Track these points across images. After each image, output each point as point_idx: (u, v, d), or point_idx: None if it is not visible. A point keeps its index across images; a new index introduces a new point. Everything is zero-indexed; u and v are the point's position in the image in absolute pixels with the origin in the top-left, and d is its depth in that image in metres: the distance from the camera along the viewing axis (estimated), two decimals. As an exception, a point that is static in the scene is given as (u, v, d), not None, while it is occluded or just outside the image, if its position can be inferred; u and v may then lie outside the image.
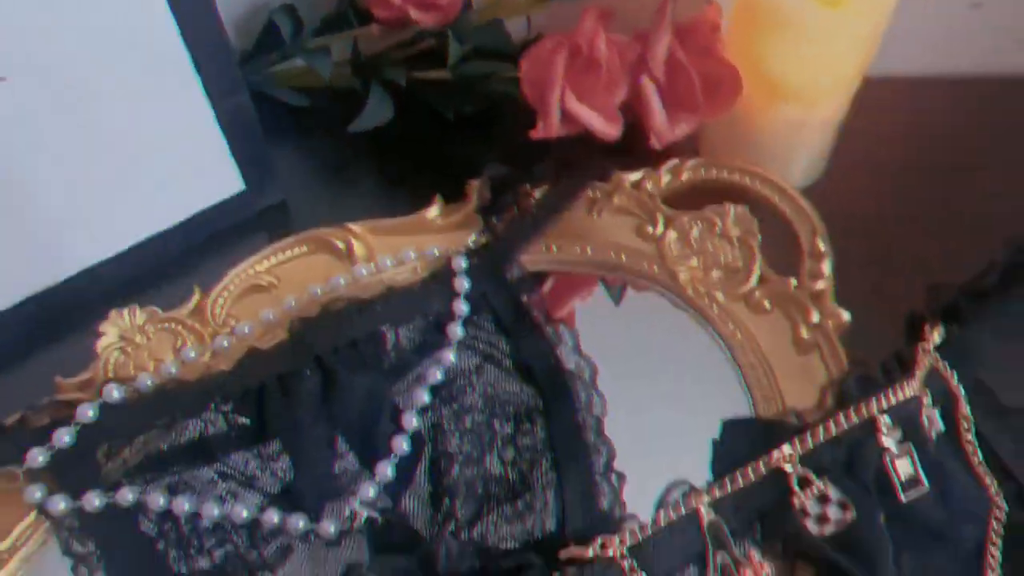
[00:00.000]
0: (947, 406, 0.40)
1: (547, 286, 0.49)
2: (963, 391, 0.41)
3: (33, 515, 0.36)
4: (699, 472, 0.38)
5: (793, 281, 0.44)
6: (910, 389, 0.39)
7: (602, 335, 0.47)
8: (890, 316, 0.44)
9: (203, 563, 0.36)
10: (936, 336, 0.42)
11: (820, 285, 0.43)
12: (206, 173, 0.48)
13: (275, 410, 0.38)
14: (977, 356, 0.42)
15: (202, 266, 0.46)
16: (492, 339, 0.43)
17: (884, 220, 0.51)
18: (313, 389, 0.39)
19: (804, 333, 0.42)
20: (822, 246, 0.44)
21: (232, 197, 0.49)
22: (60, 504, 0.36)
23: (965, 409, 0.40)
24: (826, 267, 0.43)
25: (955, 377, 0.41)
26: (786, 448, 0.36)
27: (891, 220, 0.52)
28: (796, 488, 0.36)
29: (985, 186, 0.55)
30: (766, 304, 0.43)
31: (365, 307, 0.42)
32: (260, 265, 0.44)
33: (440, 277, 0.44)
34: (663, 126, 0.48)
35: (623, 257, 0.46)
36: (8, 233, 0.41)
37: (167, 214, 0.47)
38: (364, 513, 0.37)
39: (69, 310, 0.44)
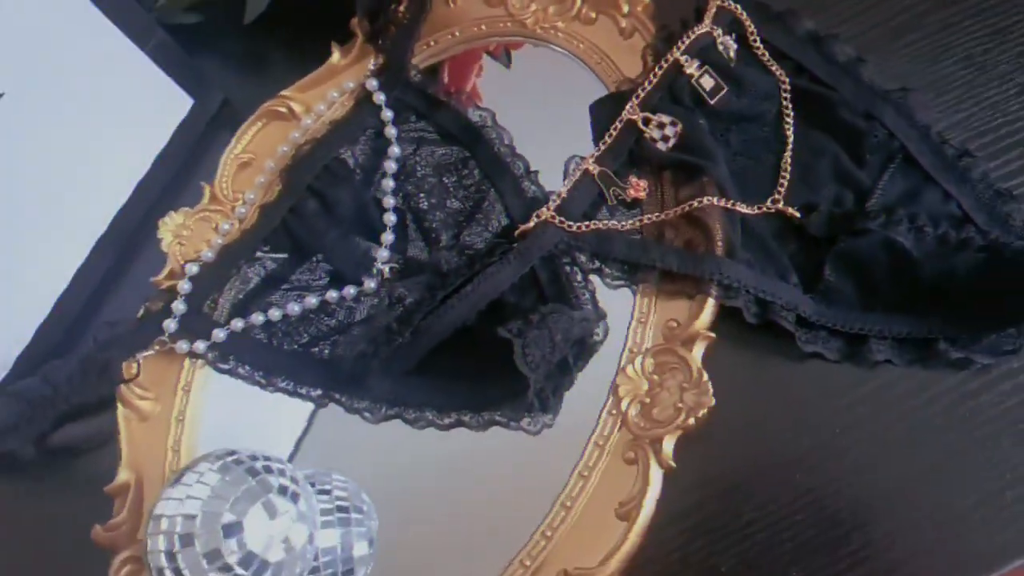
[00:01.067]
0: (738, 30, 0.56)
1: (444, 72, 0.63)
2: (745, 15, 0.56)
3: (187, 360, 0.55)
4: (587, 148, 0.54)
5: (601, -11, 0.58)
6: (700, 29, 0.54)
7: (504, 96, 0.62)
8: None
9: (305, 339, 0.54)
10: (717, -17, 0.56)
11: (627, -22, 0.57)
12: (162, 104, 0.61)
13: (301, 232, 0.55)
14: (749, -16, 0.57)
15: (199, 170, 0.61)
16: (417, 126, 0.59)
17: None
18: (315, 209, 0.55)
19: (623, 23, 0.57)
20: (613, -49, 0.58)
21: (188, 113, 0.63)
22: (200, 346, 0.53)
23: (750, 26, 0.56)
24: (621, -34, 0.57)
25: (738, 6, 0.56)
26: (629, 105, 0.53)
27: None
28: (643, 127, 0.52)
29: None
30: (592, 14, 0.58)
31: (323, 142, 0.57)
32: (236, 148, 0.59)
33: (364, 100, 0.59)
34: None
35: (484, 27, 0.60)
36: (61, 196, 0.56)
37: (153, 145, 0.61)
38: (387, 267, 0.54)
39: (130, 235, 0.59)
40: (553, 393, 0.49)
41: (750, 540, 0.45)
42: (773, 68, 0.55)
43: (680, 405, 0.46)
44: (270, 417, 0.54)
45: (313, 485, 0.49)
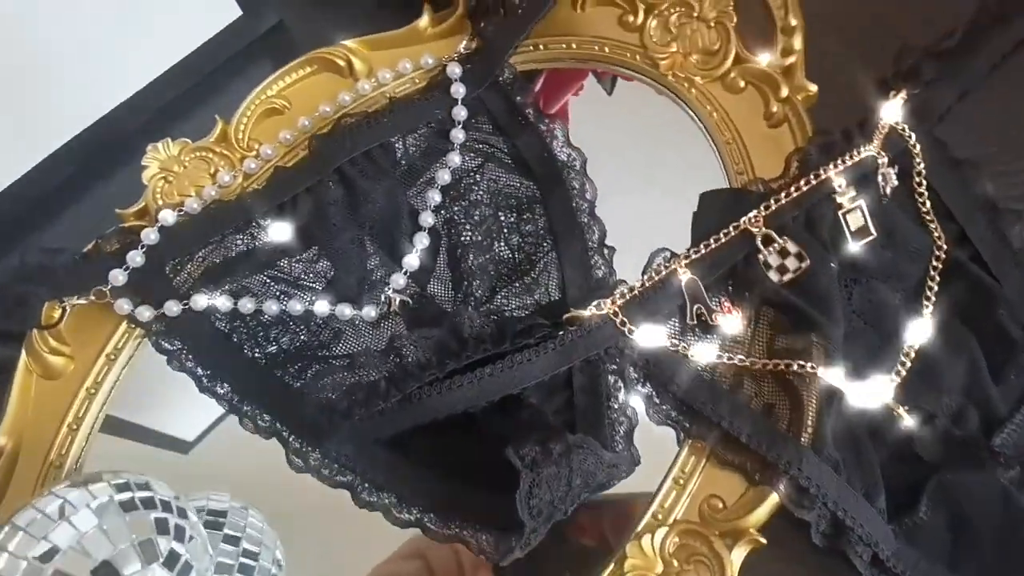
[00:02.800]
0: (903, 163, 0.45)
1: (539, 83, 0.52)
2: (918, 148, 0.45)
3: (125, 324, 0.44)
4: (683, 242, 0.44)
5: (765, 58, 0.47)
6: (865, 151, 0.43)
7: (594, 125, 0.51)
8: (862, 86, 0.47)
9: (272, 349, 0.43)
10: (898, 97, 0.46)
11: (791, 60, 0.46)
12: (202, 4, 0.50)
13: (308, 219, 0.44)
14: (935, 114, 0.46)
15: (219, 97, 0.50)
16: (490, 139, 0.47)
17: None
18: (338, 197, 0.44)
19: (774, 107, 0.46)
20: (794, 21, 0.46)
21: (230, 24, 0.51)
22: (145, 313, 0.43)
23: (919, 164, 0.45)
24: (797, 42, 0.46)
25: (912, 136, 0.45)
26: (752, 212, 0.42)
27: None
28: (760, 245, 0.42)
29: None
30: (740, 83, 0.47)
31: (374, 119, 0.46)
32: (271, 89, 0.48)
33: (438, 85, 0.48)
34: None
35: (606, 49, 0.49)
36: (35, 82, 0.45)
37: (176, 49, 0.50)
38: (397, 298, 0.44)
39: (109, 148, 0.48)
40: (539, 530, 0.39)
41: None
42: (932, 227, 0.44)
43: (695, 615, 0.36)
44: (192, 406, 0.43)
45: (219, 528, 0.39)
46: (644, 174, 0.49)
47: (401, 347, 0.40)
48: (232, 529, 0.41)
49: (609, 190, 0.46)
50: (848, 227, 0.42)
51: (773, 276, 0.42)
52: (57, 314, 0.42)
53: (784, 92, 0.46)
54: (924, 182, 0.45)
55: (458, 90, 0.47)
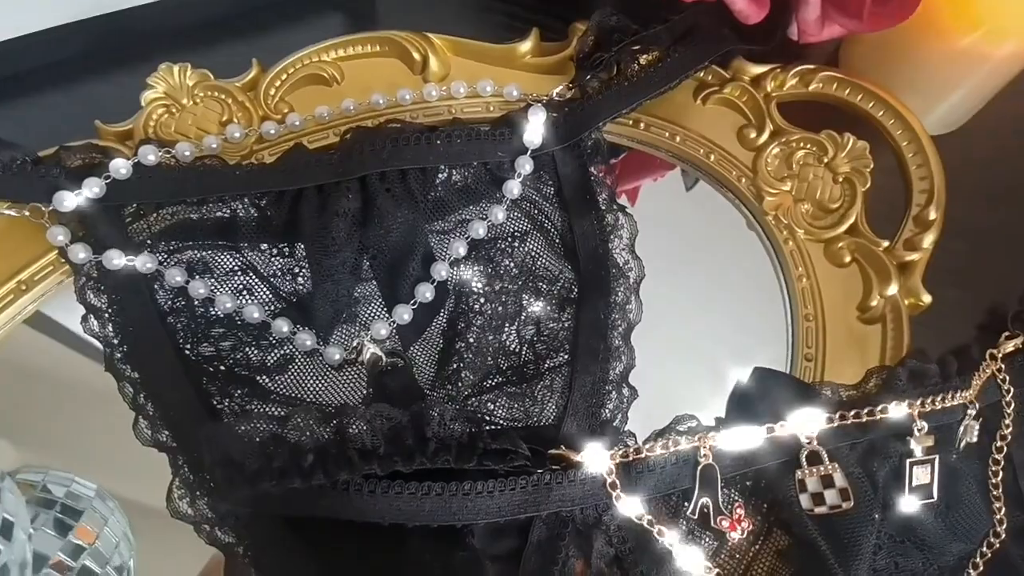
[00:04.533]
0: (991, 419, 0.38)
1: (621, 156, 0.45)
2: (1012, 407, 0.38)
3: (54, 255, 0.36)
4: (714, 411, 0.37)
5: (885, 243, 0.39)
6: (960, 398, 0.36)
7: (663, 233, 0.44)
8: (975, 310, 0.40)
9: (207, 349, 0.36)
10: (1010, 345, 0.38)
11: (913, 257, 0.39)
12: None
13: (309, 220, 0.36)
14: (1044, 376, 0.39)
15: (263, 37, 0.42)
16: (547, 208, 0.40)
17: (1017, 198, 0.45)
18: (352, 210, 0.37)
19: (875, 302, 0.39)
20: (933, 215, 0.39)
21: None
22: (80, 253, 0.35)
23: (1007, 428, 0.38)
24: (928, 240, 0.39)
25: (1011, 391, 0.38)
26: (811, 420, 0.35)
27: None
28: (804, 461, 0.34)
29: None
30: (846, 257, 0.40)
31: (427, 137, 0.38)
32: (327, 54, 0.41)
33: (512, 123, 0.40)
34: (812, 21, 0.41)
35: (712, 158, 0.42)
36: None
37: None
38: (371, 349, 0.36)
39: (124, 44, 0.40)
40: None
41: None
42: (997, 506, 0.37)
43: None
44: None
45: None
46: (698, 315, 0.42)
47: (349, 422, 0.32)
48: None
49: (653, 317, 0.39)
50: (910, 481, 0.35)
51: (804, 501, 0.34)
52: (-23, 217, 0.35)
53: (892, 289, 0.38)
54: (1005, 450, 0.38)
55: (533, 139, 0.40)
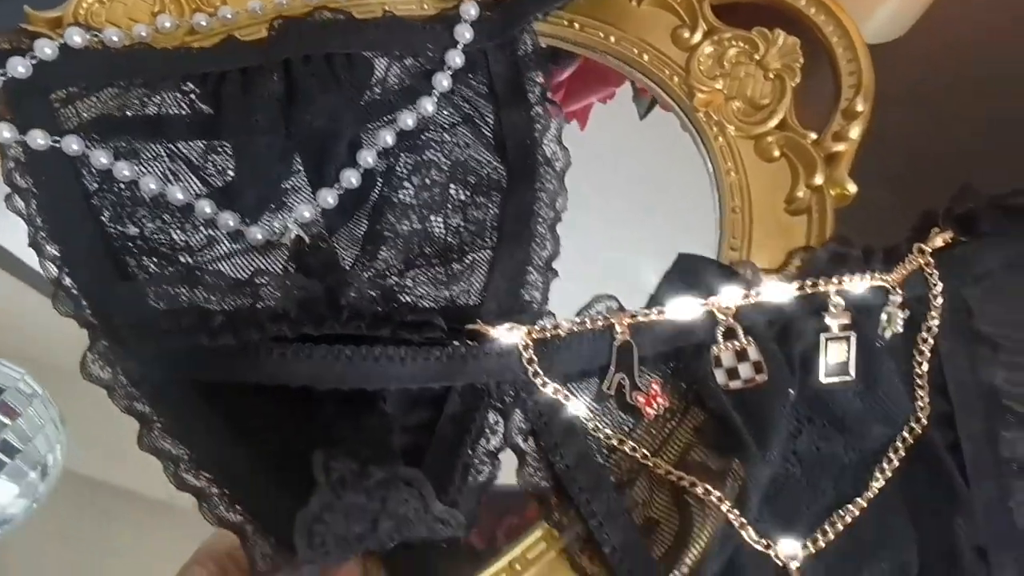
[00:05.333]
0: (917, 311, 0.38)
1: (570, 70, 0.45)
2: (940, 301, 0.38)
3: (-17, 138, 0.36)
4: (638, 299, 0.37)
5: (814, 135, 0.40)
6: (881, 280, 0.36)
7: (601, 141, 0.44)
8: (908, 209, 0.40)
9: (132, 230, 0.36)
10: (939, 240, 0.39)
11: (840, 148, 0.39)
12: None
13: (233, 103, 0.37)
14: (973, 271, 0.39)
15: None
16: (477, 102, 0.40)
17: (948, 99, 0.45)
18: (276, 93, 0.37)
19: (801, 192, 0.39)
20: (860, 107, 0.39)
21: None
22: (5, 132, 0.35)
23: (933, 320, 0.38)
24: (854, 131, 0.39)
25: (939, 286, 0.38)
26: (727, 297, 0.35)
27: (955, 105, 0.45)
28: (719, 337, 0.34)
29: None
30: (775, 152, 0.40)
31: (355, 25, 0.38)
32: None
33: (445, 20, 0.40)
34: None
35: (645, 57, 0.42)
36: None
37: None
38: (294, 231, 0.36)
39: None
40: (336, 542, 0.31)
41: None
42: (920, 394, 0.37)
43: None
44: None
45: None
46: (629, 212, 0.42)
47: (261, 286, 0.32)
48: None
49: (580, 214, 0.39)
50: (826, 357, 0.35)
51: (719, 376, 0.34)
52: (-97, 90, 0.35)
53: (818, 180, 0.39)
54: (931, 342, 0.38)
55: (463, 33, 0.40)
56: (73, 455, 0.37)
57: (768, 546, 0.33)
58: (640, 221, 0.42)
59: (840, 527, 0.34)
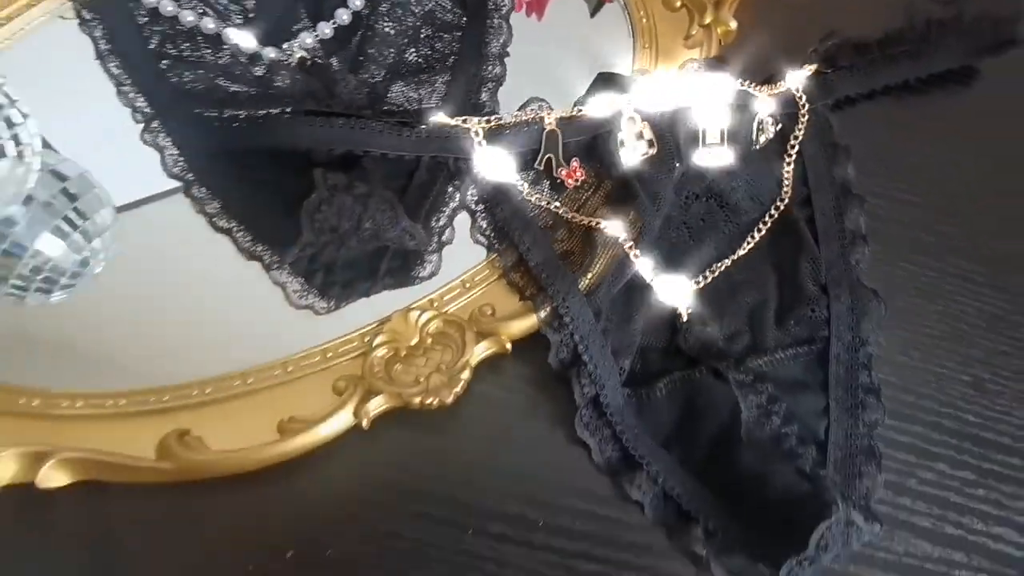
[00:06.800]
0: (787, 126, 0.49)
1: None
2: (806, 117, 0.49)
3: (52, -17, 0.47)
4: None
5: (711, -3, 0.51)
6: (755, 91, 0.47)
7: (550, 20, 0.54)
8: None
9: (171, 51, 0.47)
10: (807, 70, 0.49)
11: (725, -5, 0.50)
12: None
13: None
14: (832, 95, 0.50)
15: None
16: (445, -41, 0.51)
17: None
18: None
19: (695, 30, 0.50)
20: (741, -36, 0.50)
21: None
22: (76, -26, 0.46)
23: (799, 130, 0.49)
24: (735, -18, 0.50)
25: (806, 106, 0.49)
26: (628, 96, 0.46)
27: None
28: (623, 124, 0.45)
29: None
30: (677, 3, 0.51)
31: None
32: None
33: None
34: None
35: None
36: None
37: None
38: (299, 53, 0.47)
39: None
40: (343, 285, 0.42)
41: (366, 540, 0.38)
42: (786, 182, 0.48)
43: (422, 380, 0.39)
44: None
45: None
46: (555, 54, 0.52)
47: (275, 75, 0.43)
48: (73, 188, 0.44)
49: (527, 66, 0.50)
50: (704, 137, 0.46)
51: (623, 154, 0.45)
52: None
53: (707, 19, 0.50)
54: (797, 147, 0.48)
55: (432, -90, 0.51)
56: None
57: (656, 279, 0.44)
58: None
59: (717, 274, 0.45)
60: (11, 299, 0.42)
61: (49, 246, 0.43)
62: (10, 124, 0.37)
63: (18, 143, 0.38)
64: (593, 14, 0.57)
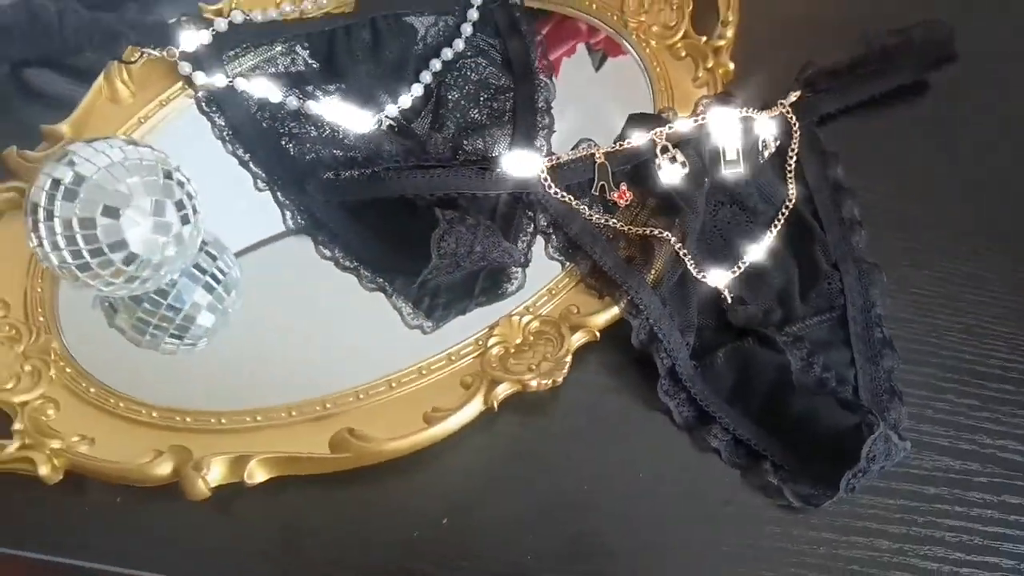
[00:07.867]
0: (784, 141, 0.60)
1: (549, 27, 0.67)
2: (798, 133, 0.60)
3: (180, 84, 0.57)
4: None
5: (704, 39, 0.62)
6: (756, 116, 0.58)
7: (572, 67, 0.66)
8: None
9: (282, 130, 0.57)
10: (793, 96, 0.61)
11: (720, 43, 0.62)
12: None
13: (340, 48, 0.58)
14: (817, 113, 0.61)
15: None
16: (489, 40, 0.62)
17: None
18: (367, 39, 0.59)
19: (701, 73, 0.61)
20: (731, 16, 0.62)
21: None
22: (200, 76, 0.56)
23: (795, 143, 0.60)
24: (730, 31, 0.62)
25: (797, 124, 0.60)
26: (659, 129, 0.56)
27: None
28: (659, 152, 0.56)
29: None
30: (683, 52, 0.62)
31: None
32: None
33: (464, -11, 0.63)
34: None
35: (595, 6, 0.65)
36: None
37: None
38: (387, 122, 0.57)
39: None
40: (444, 307, 0.52)
41: (497, 515, 0.46)
42: (791, 185, 0.58)
43: (534, 368, 0.48)
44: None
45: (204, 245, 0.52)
46: (597, 100, 0.63)
47: (382, 142, 0.53)
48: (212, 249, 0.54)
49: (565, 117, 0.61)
50: (724, 157, 0.56)
51: (662, 176, 0.56)
52: (136, 55, 0.56)
53: (709, 64, 0.61)
54: (795, 156, 0.60)
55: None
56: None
57: (701, 272, 0.54)
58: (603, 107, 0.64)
59: (748, 263, 0.55)
60: (168, 348, 0.51)
61: (201, 301, 0.52)
62: (190, 197, 0.47)
63: (195, 211, 0.47)
64: (598, 69, 0.68)
